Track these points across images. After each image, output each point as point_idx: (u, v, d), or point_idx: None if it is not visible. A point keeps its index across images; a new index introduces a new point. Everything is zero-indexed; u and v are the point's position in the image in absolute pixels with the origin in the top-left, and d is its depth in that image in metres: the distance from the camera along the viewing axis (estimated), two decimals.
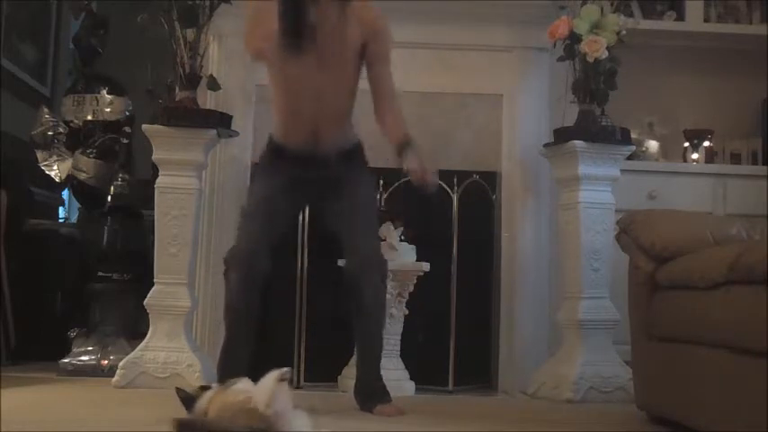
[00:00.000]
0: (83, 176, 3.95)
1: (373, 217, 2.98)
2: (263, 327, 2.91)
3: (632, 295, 2.78)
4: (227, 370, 2.75)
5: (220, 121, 3.44)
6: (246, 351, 2.79)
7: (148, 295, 3.33)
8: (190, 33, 3.40)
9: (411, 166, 2.74)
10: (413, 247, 3.54)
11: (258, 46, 2.81)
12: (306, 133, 2.84)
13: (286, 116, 2.89)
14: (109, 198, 3.86)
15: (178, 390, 2.01)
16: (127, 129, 3.97)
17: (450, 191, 3.73)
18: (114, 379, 3.26)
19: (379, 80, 2.89)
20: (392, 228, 3.52)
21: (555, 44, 3.54)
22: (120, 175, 3.88)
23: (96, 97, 4.03)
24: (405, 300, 3.50)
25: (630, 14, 3.89)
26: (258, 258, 2.77)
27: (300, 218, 3.59)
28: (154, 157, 3.38)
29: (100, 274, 3.82)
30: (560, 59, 3.54)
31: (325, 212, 2.95)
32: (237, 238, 2.87)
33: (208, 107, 3.59)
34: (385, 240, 3.47)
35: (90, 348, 3.66)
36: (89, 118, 4.01)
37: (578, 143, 3.44)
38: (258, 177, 3.02)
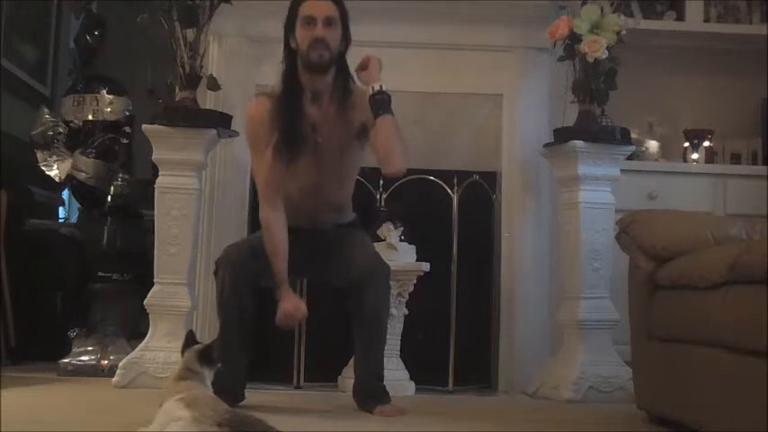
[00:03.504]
0: (82, 176, 3.96)
1: (370, 250, 2.97)
2: (258, 326, 2.91)
3: (632, 295, 2.78)
4: (225, 369, 2.76)
5: (220, 121, 3.44)
6: (242, 349, 2.78)
7: (148, 295, 3.33)
8: (190, 33, 3.40)
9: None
10: (413, 247, 3.54)
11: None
12: (303, 219, 2.90)
13: (285, 204, 2.90)
14: (109, 198, 3.86)
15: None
16: (127, 129, 3.97)
17: (450, 191, 3.73)
18: (114, 379, 3.27)
19: (377, 135, 2.89)
20: (392, 228, 3.52)
21: (555, 44, 3.54)
22: (120, 175, 3.88)
23: (96, 97, 4.03)
24: (405, 300, 3.50)
25: (630, 14, 3.89)
26: (249, 263, 2.77)
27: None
28: (154, 157, 3.38)
29: (100, 274, 3.82)
30: (560, 59, 3.54)
31: (322, 270, 2.93)
32: (230, 246, 2.91)
33: (208, 107, 3.59)
34: (385, 240, 3.47)
35: (90, 348, 3.66)
36: (89, 118, 4.01)
37: (578, 143, 3.44)
38: (254, 237, 3.02)
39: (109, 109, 4.02)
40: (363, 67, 2.85)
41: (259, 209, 2.87)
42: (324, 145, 2.84)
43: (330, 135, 2.85)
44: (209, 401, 1.99)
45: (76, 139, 4.00)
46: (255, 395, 2.96)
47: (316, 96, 2.85)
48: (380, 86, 2.78)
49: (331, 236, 2.90)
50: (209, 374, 2.20)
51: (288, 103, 2.80)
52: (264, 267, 2.76)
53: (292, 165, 2.81)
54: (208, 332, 3.65)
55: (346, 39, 2.87)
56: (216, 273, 2.83)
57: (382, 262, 2.85)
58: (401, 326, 3.49)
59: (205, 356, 2.20)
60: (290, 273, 2.86)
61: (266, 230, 2.81)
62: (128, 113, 4.03)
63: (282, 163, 2.79)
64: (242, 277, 2.75)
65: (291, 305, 2.75)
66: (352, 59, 2.92)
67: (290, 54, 2.84)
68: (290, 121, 2.79)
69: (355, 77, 2.88)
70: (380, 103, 2.76)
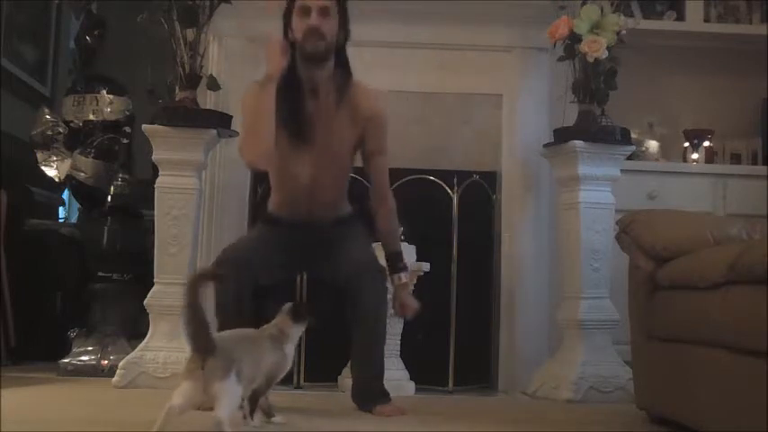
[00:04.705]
0: (81, 176, 3.96)
1: (368, 249, 2.96)
2: (258, 326, 2.90)
3: (632, 295, 2.78)
4: None
5: (220, 121, 3.44)
6: None
7: (148, 295, 3.33)
8: (190, 33, 3.40)
9: (399, 300, 2.93)
10: (413, 247, 3.54)
11: (253, 159, 2.82)
12: (301, 210, 2.89)
13: (282, 197, 2.93)
14: (109, 198, 3.86)
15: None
16: (127, 129, 3.98)
17: (450, 191, 3.73)
18: (114, 379, 3.27)
19: (376, 172, 2.95)
20: None
21: (555, 44, 3.54)
22: (120, 175, 3.88)
23: (96, 97, 4.03)
24: None
25: (630, 14, 3.90)
26: (248, 263, 2.74)
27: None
28: (154, 157, 3.38)
29: (100, 274, 3.83)
30: (560, 59, 3.54)
31: (320, 268, 2.92)
32: (228, 247, 2.88)
33: (208, 107, 3.59)
34: None
35: (90, 348, 3.66)
36: (89, 118, 4.01)
37: (578, 143, 3.44)
38: (252, 234, 3.03)
39: (109, 109, 4.02)
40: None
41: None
42: (320, 139, 2.83)
43: (327, 128, 2.84)
44: None
45: (76, 139, 4.00)
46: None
47: (314, 90, 2.84)
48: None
49: (331, 233, 2.89)
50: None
51: (286, 97, 2.79)
52: (264, 265, 2.76)
53: (288, 157, 2.81)
54: None
55: (345, 31, 2.86)
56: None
57: (377, 261, 2.86)
58: (401, 326, 3.49)
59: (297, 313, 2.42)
60: (290, 268, 2.86)
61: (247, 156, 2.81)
62: (128, 113, 4.03)
63: (279, 155, 2.79)
64: (241, 278, 2.74)
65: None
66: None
67: (290, 48, 2.84)
68: (288, 114, 2.78)
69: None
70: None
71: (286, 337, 2.39)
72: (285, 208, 2.92)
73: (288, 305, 2.44)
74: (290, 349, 2.41)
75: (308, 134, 2.83)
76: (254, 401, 2.31)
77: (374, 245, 2.99)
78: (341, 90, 2.85)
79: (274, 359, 2.33)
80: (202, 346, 2.04)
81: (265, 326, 2.41)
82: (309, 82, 2.84)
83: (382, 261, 2.91)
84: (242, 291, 2.71)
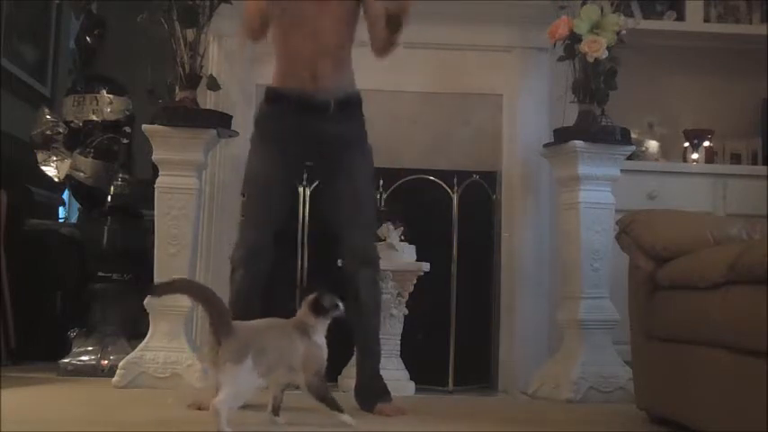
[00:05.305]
0: (81, 176, 3.96)
1: (370, 203, 2.97)
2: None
3: (632, 295, 2.78)
4: None
5: (220, 121, 3.44)
6: None
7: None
8: (190, 33, 3.40)
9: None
10: (413, 247, 3.54)
11: (250, 34, 2.83)
12: (305, 74, 2.80)
13: (286, 59, 2.86)
14: (109, 198, 3.86)
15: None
16: (127, 129, 3.98)
17: (450, 191, 3.73)
18: (114, 379, 3.26)
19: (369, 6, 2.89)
20: (392, 228, 3.52)
21: (555, 44, 3.54)
22: (120, 175, 3.88)
23: (96, 97, 4.03)
24: (405, 300, 3.50)
25: (630, 14, 3.89)
26: (263, 255, 2.79)
27: (301, 215, 3.61)
28: (154, 157, 3.39)
29: (100, 274, 3.82)
30: (560, 59, 3.54)
31: (324, 195, 2.94)
32: (242, 231, 2.89)
33: (208, 107, 3.59)
34: (385, 240, 3.47)
35: (90, 348, 3.66)
36: (89, 118, 4.01)
37: (578, 143, 3.44)
38: (256, 143, 2.93)
39: (109, 109, 4.02)
40: None
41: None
42: None
43: None
44: None
45: (76, 139, 4.00)
46: (256, 395, 2.95)
47: None
48: None
49: (334, 122, 2.81)
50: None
51: None
52: (277, 221, 2.81)
53: (290, 13, 2.78)
54: (208, 332, 3.65)
55: None
56: (233, 272, 2.82)
57: (375, 252, 2.89)
58: (401, 326, 3.49)
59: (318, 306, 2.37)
60: (288, 166, 2.89)
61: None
62: (128, 113, 4.03)
63: None
64: (255, 275, 2.78)
65: None
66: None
67: None
68: None
69: None
70: None
71: (312, 329, 2.37)
72: (288, 79, 2.84)
73: (310, 297, 2.41)
74: (320, 339, 2.38)
75: None
76: (278, 400, 2.33)
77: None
78: None
79: (302, 349, 2.32)
80: (217, 328, 2.05)
81: (294, 317, 2.40)
82: None
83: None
84: (254, 294, 2.74)
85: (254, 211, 2.87)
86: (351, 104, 2.89)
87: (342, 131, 2.82)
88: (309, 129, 2.80)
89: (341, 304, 2.42)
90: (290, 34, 2.83)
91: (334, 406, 2.38)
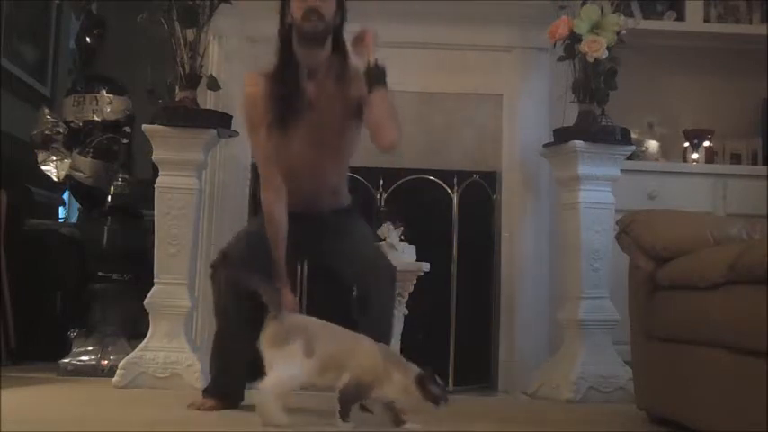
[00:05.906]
0: (80, 176, 3.96)
1: (375, 246, 2.95)
2: (257, 327, 2.90)
3: (632, 295, 2.78)
4: (224, 370, 2.80)
5: (220, 121, 3.44)
6: (241, 350, 2.76)
7: (148, 295, 3.33)
8: (190, 33, 3.40)
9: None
10: (413, 246, 3.54)
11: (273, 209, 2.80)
12: (301, 201, 2.83)
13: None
14: (109, 198, 3.86)
15: None
16: (127, 129, 3.98)
17: (450, 191, 3.73)
18: (114, 379, 3.26)
19: (375, 103, 2.83)
20: (392, 228, 3.52)
21: (555, 44, 3.54)
22: (120, 175, 3.88)
23: (96, 97, 4.03)
24: (405, 300, 3.49)
25: (630, 14, 3.89)
26: (246, 264, 2.73)
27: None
28: (154, 157, 3.38)
29: (100, 274, 3.82)
30: (560, 59, 3.54)
31: (324, 254, 2.90)
32: (226, 247, 2.87)
33: (208, 107, 3.59)
34: (385, 240, 3.47)
35: (90, 348, 3.66)
36: (89, 118, 4.01)
37: (578, 143, 3.44)
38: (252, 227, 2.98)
39: (109, 109, 4.02)
40: (359, 40, 2.80)
41: (260, 192, 2.83)
42: (320, 122, 2.79)
43: (326, 112, 2.80)
44: None
45: (76, 139, 4.00)
46: (256, 396, 2.95)
47: (312, 72, 2.80)
48: (376, 60, 2.73)
49: (331, 221, 2.85)
50: None
51: (283, 79, 2.76)
52: (262, 265, 2.75)
53: (288, 140, 2.77)
54: (208, 333, 3.64)
55: (342, 12, 2.83)
56: (212, 276, 2.82)
57: (388, 262, 2.84)
58: (401, 326, 3.49)
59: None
60: (290, 254, 2.83)
61: (268, 215, 2.78)
62: (128, 113, 4.03)
63: (279, 138, 2.76)
64: (240, 279, 2.74)
65: (289, 300, 2.73)
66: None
67: (287, 30, 2.81)
68: (285, 97, 2.75)
69: (351, 51, 2.83)
70: (375, 76, 2.72)
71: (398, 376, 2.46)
72: (287, 199, 2.84)
73: (419, 372, 2.51)
74: (396, 378, 2.48)
75: (308, 116, 2.78)
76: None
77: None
78: (339, 72, 2.81)
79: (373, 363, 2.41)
80: (268, 301, 2.20)
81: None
82: (307, 63, 2.80)
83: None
84: (241, 293, 2.71)
85: (243, 243, 2.84)
86: (346, 210, 2.95)
87: (338, 222, 2.86)
88: (305, 230, 2.80)
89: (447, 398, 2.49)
90: (288, 170, 2.82)
91: (346, 415, 2.38)
